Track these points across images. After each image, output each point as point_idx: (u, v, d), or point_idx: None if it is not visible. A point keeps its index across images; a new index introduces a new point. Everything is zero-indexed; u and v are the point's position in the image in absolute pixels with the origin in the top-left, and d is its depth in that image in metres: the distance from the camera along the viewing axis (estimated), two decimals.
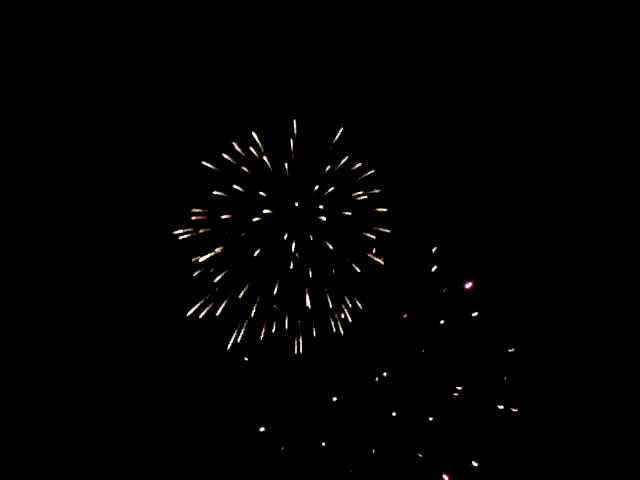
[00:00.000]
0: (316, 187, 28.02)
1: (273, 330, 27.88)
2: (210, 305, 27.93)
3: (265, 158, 28.03)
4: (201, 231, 27.88)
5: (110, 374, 28.60)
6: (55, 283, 29.11)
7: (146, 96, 29.58)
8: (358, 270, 27.98)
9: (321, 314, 28.05)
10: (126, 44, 29.64)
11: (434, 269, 28.70)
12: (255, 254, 27.81)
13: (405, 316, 28.47)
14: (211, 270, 27.95)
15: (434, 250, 28.79)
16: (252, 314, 27.84)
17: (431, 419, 27.90)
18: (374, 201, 28.17)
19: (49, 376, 28.70)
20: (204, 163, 27.97)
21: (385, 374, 28.10)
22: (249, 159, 28.07)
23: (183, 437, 28.13)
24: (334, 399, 28.14)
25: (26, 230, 29.21)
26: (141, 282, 29.00)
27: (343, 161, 28.09)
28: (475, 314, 28.38)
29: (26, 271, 29.11)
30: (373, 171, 28.13)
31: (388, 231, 28.08)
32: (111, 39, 29.68)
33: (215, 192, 27.92)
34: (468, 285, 28.63)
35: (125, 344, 28.77)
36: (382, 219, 28.18)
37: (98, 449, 28.23)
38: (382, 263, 28.06)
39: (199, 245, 28.12)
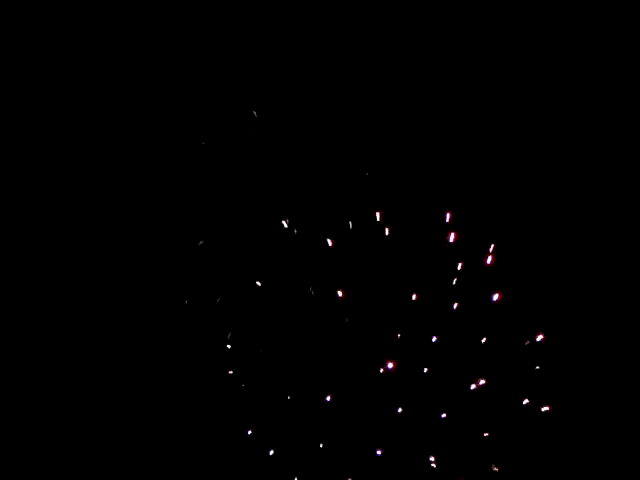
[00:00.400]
0: (323, 175, 25.31)
1: (274, 319, 25.36)
2: (208, 294, 25.65)
3: (270, 146, 25.59)
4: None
5: (99, 363, 26.10)
6: (45, 268, 26.75)
7: (141, 74, 26.80)
8: (362, 253, 24.99)
9: (323, 301, 25.10)
10: (117, 19, 26.86)
11: (451, 239, 24.53)
12: (257, 241, 25.44)
13: (415, 298, 24.60)
14: (210, 256, 25.82)
15: (448, 218, 24.54)
16: (252, 303, 25.32)
17: (444, 416, 24.40)
18: (383, 188, 25.18)
19: (40, 361, 26.32)
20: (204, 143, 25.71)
21: (391, 365, 24.54)
22: (252, 146, 25.73)
23: (165, 436, 25.49)
24: (333, 395, 24.85)
25: (21, 218, 26.86)
26: (137, 269, 26.52)
27: (352, 149, 25.21)
28: (496, 297, 24.28)
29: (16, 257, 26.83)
30: (384, 158, 25.08)
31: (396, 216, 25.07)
32: (104, 17, 26.91)
33: (217, 178, 25.77)
34: (489, 260, 24.41)
35: (117, 332, 26.26)
36: (389, 206, 25.16)
37: (76, 439, 25.72)
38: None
39: (198, 231, 25.97)
